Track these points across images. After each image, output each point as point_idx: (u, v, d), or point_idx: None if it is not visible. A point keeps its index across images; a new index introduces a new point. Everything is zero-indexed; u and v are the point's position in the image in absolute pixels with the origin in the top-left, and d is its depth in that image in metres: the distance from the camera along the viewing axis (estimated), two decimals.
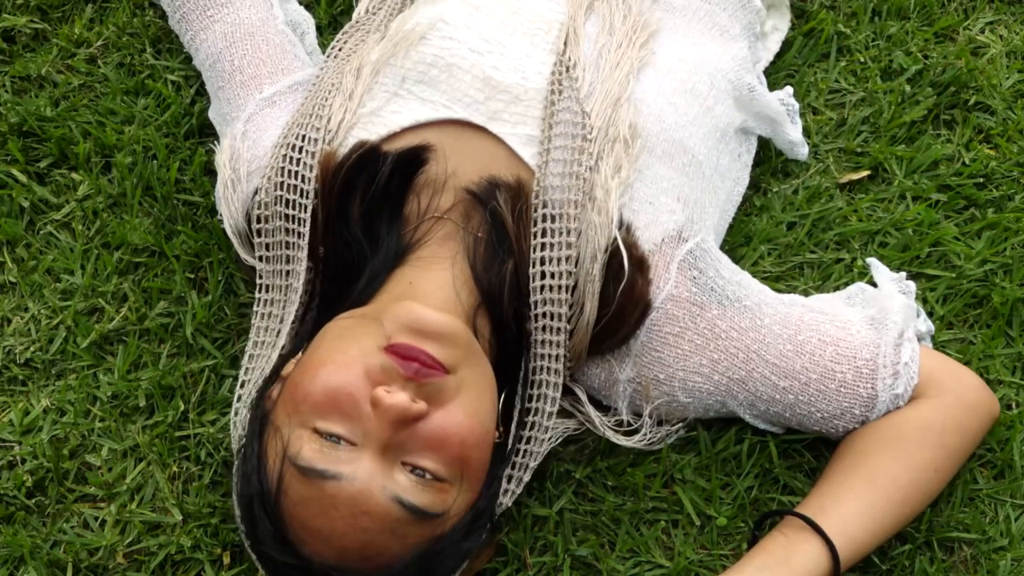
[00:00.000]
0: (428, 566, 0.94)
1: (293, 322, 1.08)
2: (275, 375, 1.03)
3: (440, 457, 0.92)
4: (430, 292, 1.01)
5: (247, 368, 1.09)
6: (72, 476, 1.15)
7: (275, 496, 0.92)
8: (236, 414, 1.07)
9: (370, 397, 0.91)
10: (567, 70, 1.10)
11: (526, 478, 1.06)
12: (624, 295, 1.03)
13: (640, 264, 1.04)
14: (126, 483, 1.14)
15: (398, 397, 0.90)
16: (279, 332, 1.08)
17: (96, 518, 1.13)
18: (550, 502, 1.12)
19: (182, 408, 1.18)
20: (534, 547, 1.11)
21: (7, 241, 1.30)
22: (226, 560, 1.10)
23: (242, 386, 1.09)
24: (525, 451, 1.06)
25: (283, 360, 1.05)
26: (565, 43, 1.13)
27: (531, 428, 1.06)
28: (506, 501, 1.05)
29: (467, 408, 0.94)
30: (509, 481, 1.05)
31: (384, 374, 0.92)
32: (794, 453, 1.15)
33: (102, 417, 1.18)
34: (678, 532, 1.12)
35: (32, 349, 1.22)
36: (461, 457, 0.93)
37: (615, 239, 1.02)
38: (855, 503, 1.02)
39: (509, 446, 1.05)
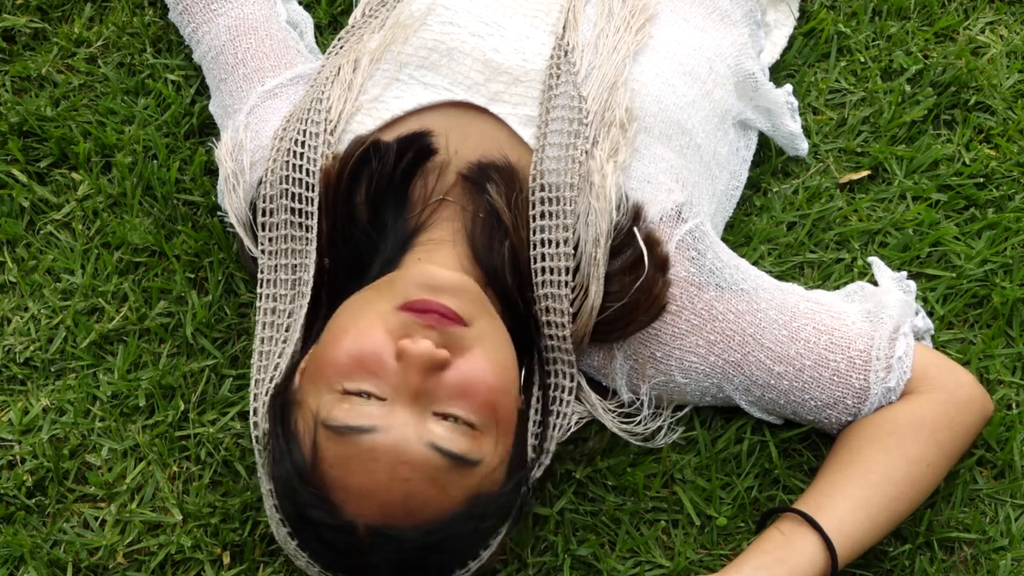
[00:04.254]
0: (475, 519, 0.95)
1: (307, 313, 1.07)
2: (293, 370, 1.02)
3: (469, 404, 0.94)
4: (440, 265, 1.03)
5: (259, 367, 1.07)
6: (72, 476, 1.15)
7: (311, 463, 0.92)
8: (255, 414, 1.04)
9: (394, 351, 0.93)
10: (565, 54, 1.11)
11: (551, 448, 1.07)
12: (641, 291, 1.04)
13: (663, 265, 1.05)
14: (126, 483, 1.14)
15: (423, 344, 0.92)
16: (288, 327, 1.08)
17: (96, 518, 1.13)
18: (550, 502, 1.12)
19: (182, 408, 1.17)
20: (534, 547, 1.11)
21: (7, 241, 1.30)
22: (226, 560, 1.10)
23: (256, 384, 1.06)
24: (546, 422, 1.07)
25: (300, 355, 1.04)
26: (564, 27, 1.14)
27: (554, 402, 1.07)
28: (536, 473, 1.05)
29: (488, 356, 0.96)
30: (535, 452, 1.06)
31: (404, 328, 0.95)
32: (794, 453, 1.15)
33: (102, 417, 1.18)
34: (678, 532, 1.12)
35: (32, 349, 1.22)
36: (489, 403, 0.95)
37: (635, 237, 1.03)
38: (850, 500, 1.03)
39: (532, 413, 1.06)
